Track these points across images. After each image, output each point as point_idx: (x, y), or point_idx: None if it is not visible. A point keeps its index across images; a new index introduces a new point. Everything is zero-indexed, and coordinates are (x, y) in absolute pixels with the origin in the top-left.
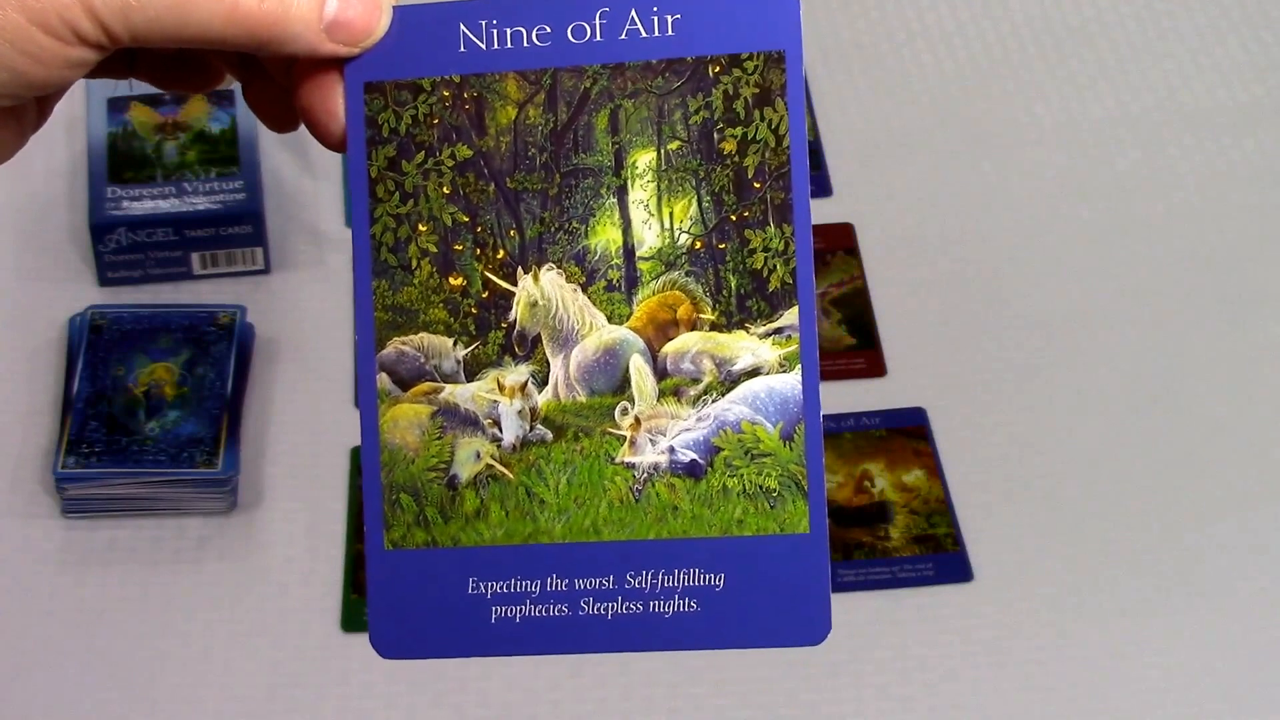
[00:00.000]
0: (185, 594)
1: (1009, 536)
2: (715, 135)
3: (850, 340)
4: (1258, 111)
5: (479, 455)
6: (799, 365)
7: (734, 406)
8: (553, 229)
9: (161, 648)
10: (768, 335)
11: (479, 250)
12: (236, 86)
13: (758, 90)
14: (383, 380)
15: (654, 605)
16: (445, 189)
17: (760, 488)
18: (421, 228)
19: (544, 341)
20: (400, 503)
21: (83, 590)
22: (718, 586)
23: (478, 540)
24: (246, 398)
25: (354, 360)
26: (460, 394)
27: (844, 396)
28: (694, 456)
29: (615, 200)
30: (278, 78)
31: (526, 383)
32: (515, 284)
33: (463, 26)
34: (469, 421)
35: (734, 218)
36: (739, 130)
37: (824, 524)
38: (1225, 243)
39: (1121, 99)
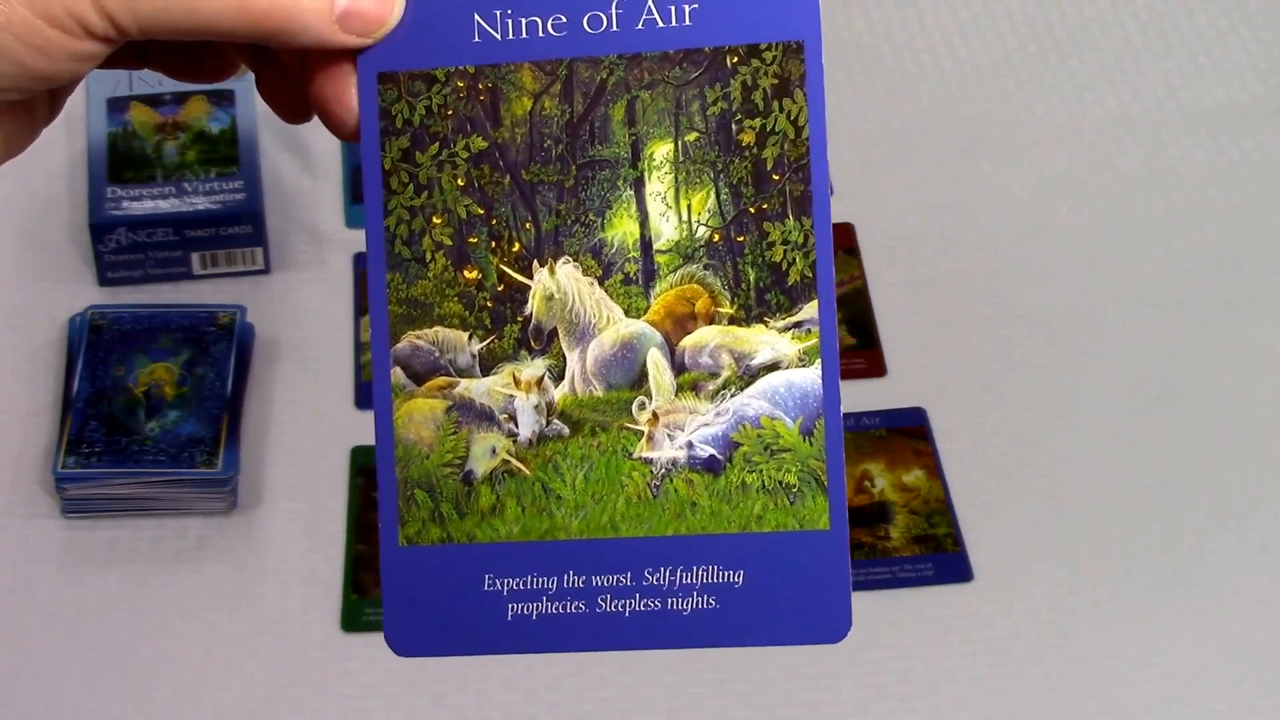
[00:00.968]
0: (185, 594)
1: (1009, 536)
2: (733, 126)
3: (850, 340)
4: (1258, 111)
5: (495, 450)
6: (819, 360)
7: (753, 401)
8: (569, 221)
9: (161, 648)
10: (787, 329)
11: (494, 243)
12: (236, 86)
13: (776, 81)
14: (397, 374)
15: (672, 602)
16: (460, 181)
17: (780, 483)
18: (436, 220)
19: (560, 335)
20: (415, 499)
21: (83, 590)
22: (736, 583)
23: (493, 536)
24: (246, 398)
25: (352, 360)
26: (476, 388)
27: (844, 396)
28: (712, 452)
29: (632, 192)
30: (291, 68)
31: (543, 377)
32: (531, 277)
33: (477, 16)
34: (484, 416)
35: (753, 210)
36: (758, 121)
37: (844, 520)
38: (1225, 243)
39: (1121, 99)
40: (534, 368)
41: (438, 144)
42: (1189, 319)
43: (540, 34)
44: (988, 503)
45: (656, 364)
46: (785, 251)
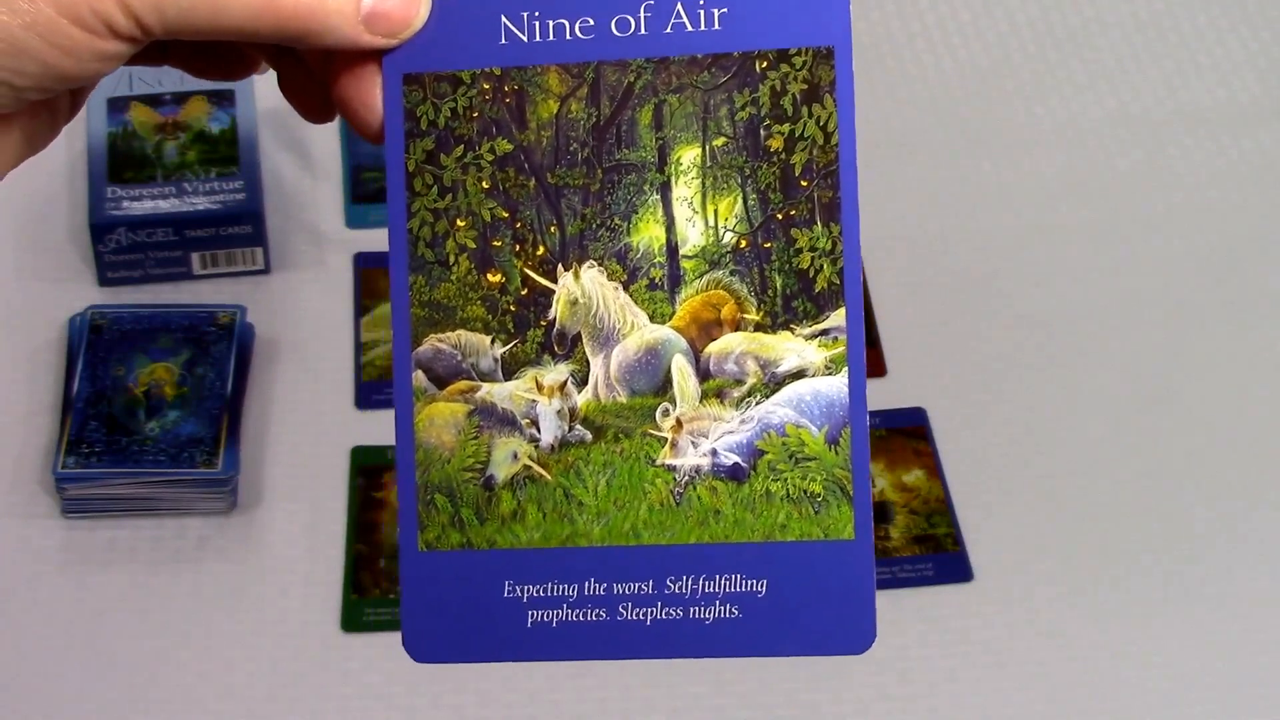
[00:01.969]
0: (185, 594)
1: (1009, 536)
2: (762, 132)
3: None
4: (1258, 111)
5: (516, 456)
6: (845, 368)
7: (778, 409)
8: (594, 225)
9: (161, 648)
10: (814, 337)
11: (518, 246)
12: (237, 86)
13: (806, 86)
14: (418, 378)
15: (694, 611)
16: (484, 184)
17: (804, 492)
18: (460, 223)
19: (584, 340)
20: (435, 503)
21: (83, 590)
22: (760, 593)
23: (514, 542)
24: (246, 398)
25: (352, 360)
26: (498, 393)
27: None
28: (737, 459)
29: (659, 197)
30: (314, 68)
31: (566, 382)
32: (555, 281)
33: (504, 18)
34: (506, 421)
35: (780, 216)
36: (786, 127)
37: (869, 530)
38: (1225, 243)
39: (1121, 99)
40: (557, 372)
41: (463, 146)
42: (1189, 319)
43: (567, 36)
44: (988, 503)
45: (681, 370)
46: (813, 258)
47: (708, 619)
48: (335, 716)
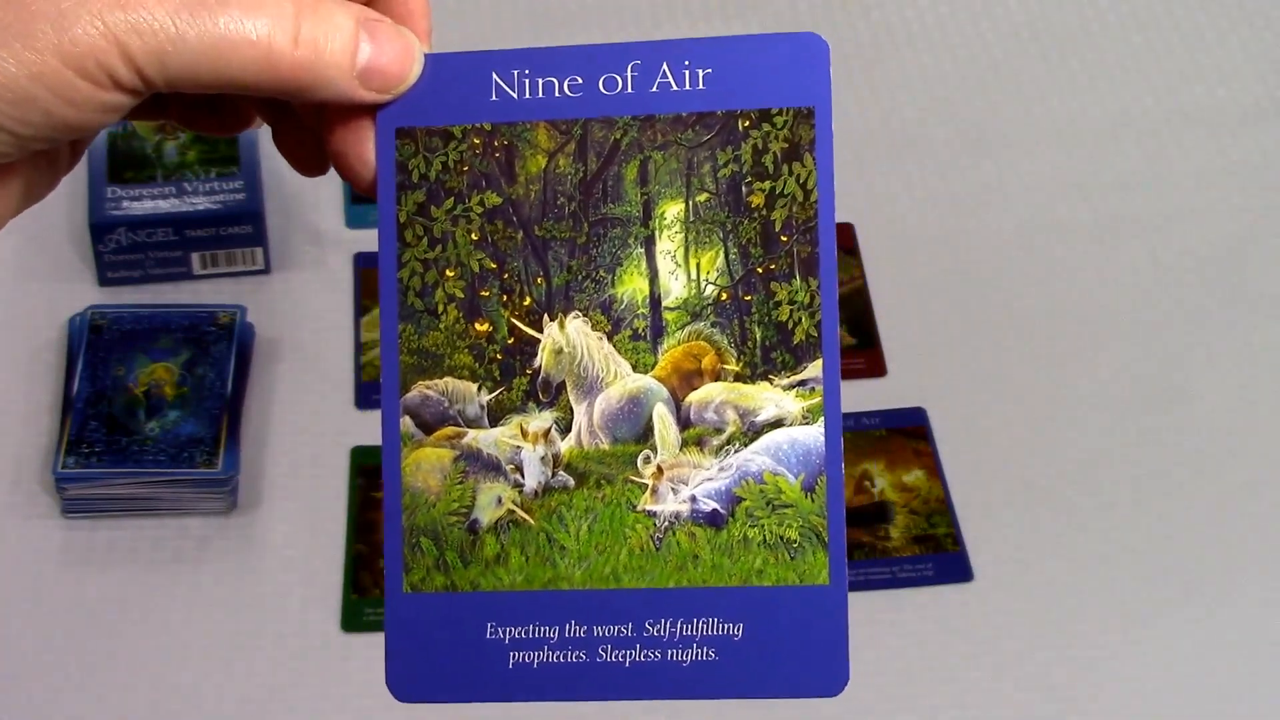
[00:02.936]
0: (185, 594)
1: (1009, 536)
2: (744, 188)
3: (850, 340)
4: (1258, 111)
5: (500, 500)
6: (822, 417)
7: (756, 457)
8: (580, 277)
9: (161, 648)
10: (791, 387)
11: (506, 297)
12: None
13: (786, 145)
14: (406, 423)
15: (672, 654)
16: (474, 235)
17: (781, 538)
18: (449, 273)
19: (568, 389)
20: (420, 546)
21: (83, 590)
22: (736, 636)
23: (497, 585)
24: (246, 398)
25: (352, 360)
26: (483, 439)
27: (844, 396)
28: (715, 506)
29: (643, 250)
30: (308, 122)
31: (550, 429)
32: (541, 331)
33: (495, 75)
34: (491, 466)
35: (760, 270)
36: (767, 184)
37: (844, 575)
38: (1225, 243)
39: (1121, 99)
40: (541, 420)
41: (453, 199)
42: (1189, 319)
43: (556, 94)
44: (988, 503)
45: (662, 418)
46: (791, 311)
47: (685, 661)
48: (335, 716)
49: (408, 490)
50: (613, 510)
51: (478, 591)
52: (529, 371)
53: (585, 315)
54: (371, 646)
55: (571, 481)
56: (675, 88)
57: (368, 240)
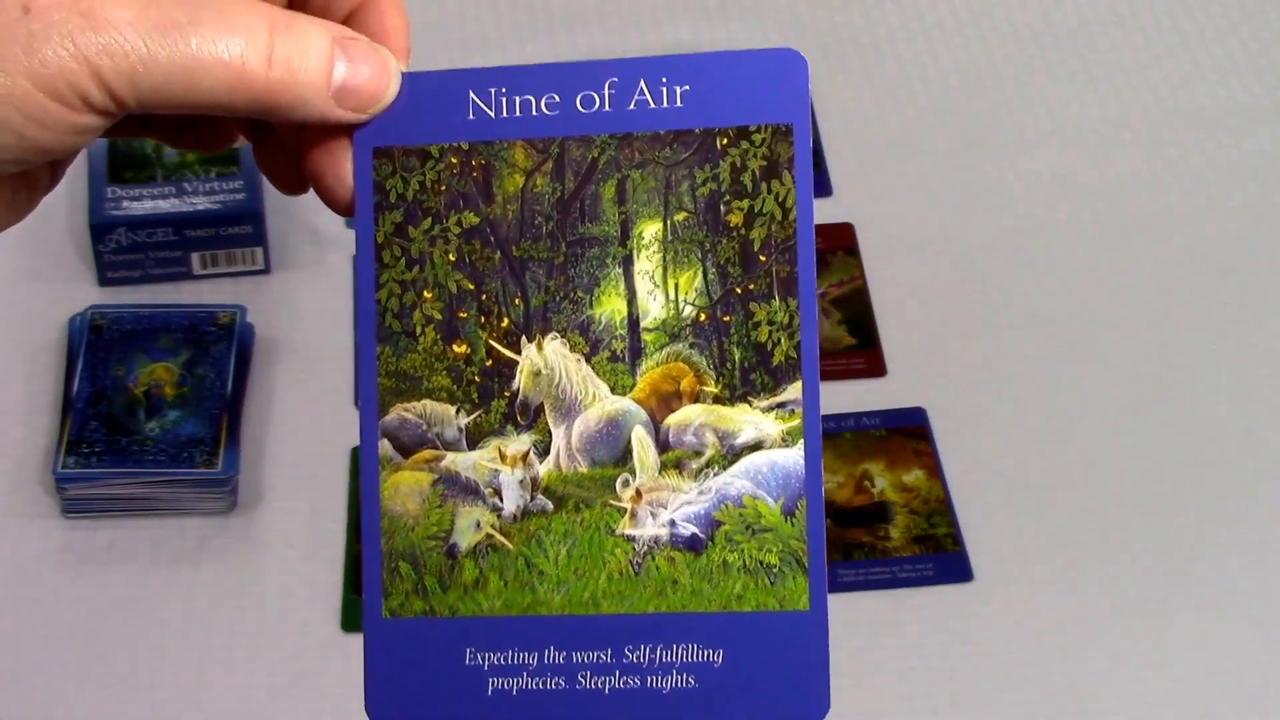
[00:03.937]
0: (185, 594)
1: (1009, 536)
2: (722, 207)
3: (850, 340)
4: (1258, 111)
5: (479, 524)
6: (802, 440)
7: (735, 480)
8: (557, 298)
9: (161, 648)
10: (771, 409)
11: (484, 318)
12: None
13: (765, 163)
14: (384, 446)
15: (651, 680)
16: (451, 256)
17: (760, 563)
18: (427, 294)
19: (546, 411)
20: (399, 571)
21: (83, 590)
22: (716, 663)
23: (476, 610)
24: (246, 398)
25: (352, 360)
26: (462, 462)
27: (844, 396)
28: (695, 530)
29: (621, 270)
30: (288, 141)
31: (528, 452)
32: (519, 352)
33: (472, 94)
34: (470, 490)
35: (739, 290)
36: (746, 203)
37: (824, 601)
38: (1225, 243)
39: (1121, 99)
40: (520, 443)
41: (430, 219)
42: (1189, 319)
43: (534, 112)
44: (988, 503)
45: (641, 441)
46: (770, 332)
47: (665, 689)
48: (335, 716)
49: (386, 514)
50: (591, 534)
51: (457, 617)
52: (507, 394)
53: (563, 336)
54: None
55: (550, 505)
56: (653, 105)
57: None
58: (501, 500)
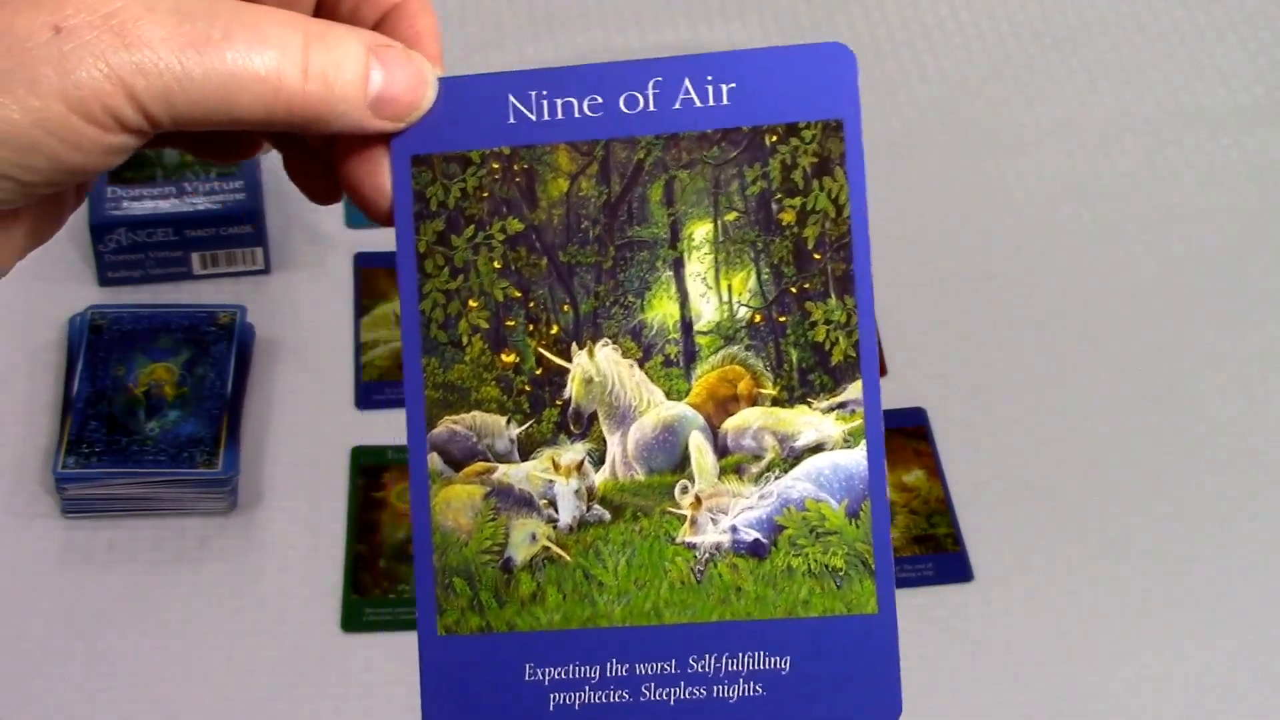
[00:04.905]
0: (185, 594)
1: (1009, 536)
2: (773, 206)
3: None
4: (1258, 111)
5: (534, 537)
6: (864, 440)
7: (797, 483)
8: (607, 303)
9: (161, 648)
10: (831, 410)
11: (532, 326)
12: None
13: (816, 160)
14: (434, 460)
15: (718, 690)
16: (496, 263)
17: (826, 567)
18: (472, 303)
19: (600, 419)
20: (454, 587)
21: (83, 590)
22: (783, 670)
23: (534, 625)
24: (246, 398)
25: (352, 360)
26: (514, 474)
27: None
28: (757, 535)
29: (671, 273)
30: (320, 151)
31: (583, 461)
32: (570, 360)
33: (511, 98)
34: (523, 502)
35: (794, 290)
36: (798, 200)
37: (893, 604)
38: (1225, 243)
39: (1121, 99)
40: (574, 452)
41: (473, 226)
42: (1189, 319)
43: (576, 115)
44: (988, 503)
45: (699, 447)
46: (828, 331)
47: (731, 698)
48: (335, 716)
49: (438, 530)
50: (651, 543)
51: (515, 632)
52: (559, 402)
53: (615, 342)
54: (371, 647)
55: (607, 515)
56: (699, 104)
57: (368, 240)
58: (557, 511)
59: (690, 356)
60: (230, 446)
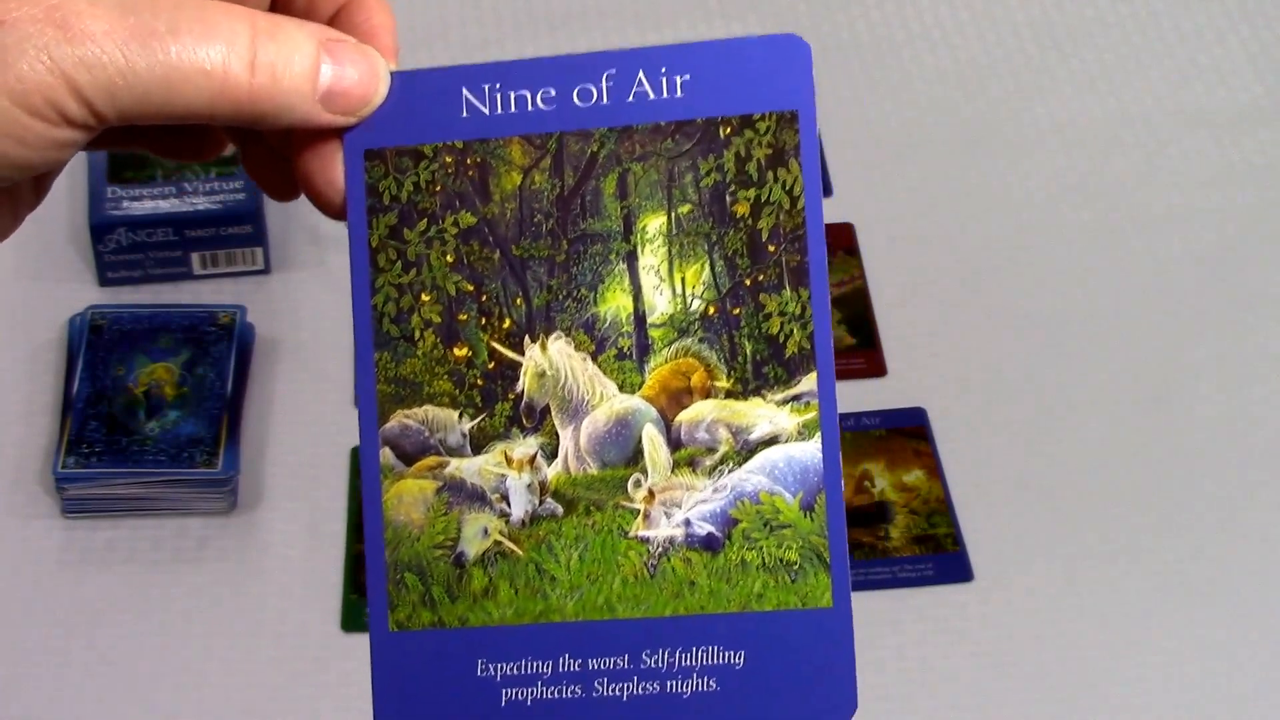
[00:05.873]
0: (185, 594)
1: (1009, 536)
2: (727, 198)
3: (850, 340)
4: (1258, 111)
5: (487, 531)
6: (819, 433)
7: (751, 476)
8: (560, 296)
9: (161, 648)
10: (785, 402)
11: (484, 320)
12: None
13: (770, 151)
14: (386, 455)
15: (671, 685)
16: (449, 257)
17: (780, 560)
18: (425, 297)
19: (553, 413)
20: (405, 582)
21: (83, 590)
22: (737, 664)
23: (486, 620)
24: (246, 398)
25: (352, 360)
26: (466, 468)
27: (844, 396)
28: (711, 529)
29: (625, 266)
30: (276, 146)
31: (535, 455)
32: (522, 354)
33: (465, 91)
34: (476, 496)
35: (748, 282)
36: (752, 192)
37: (848, 597)
38: (1225, 243)
39: (1121, 99)
40: (526, 446)
41: (426, 220)
42: (1189, 319)
43: (529, 108)
44: (988, 503)
45: (652, 440)
46: (782, 323)
47: (685, 693)
48: (335, 716)
49: (390, 524)
50: (604, 538)
51: (467, 627)
52: (511, 396)
53: (568, 336)
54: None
55: (560, 509)
56: (652, 96)
57: None
58: (509, 506)
59: (644, 349)
60: (230, 446)
